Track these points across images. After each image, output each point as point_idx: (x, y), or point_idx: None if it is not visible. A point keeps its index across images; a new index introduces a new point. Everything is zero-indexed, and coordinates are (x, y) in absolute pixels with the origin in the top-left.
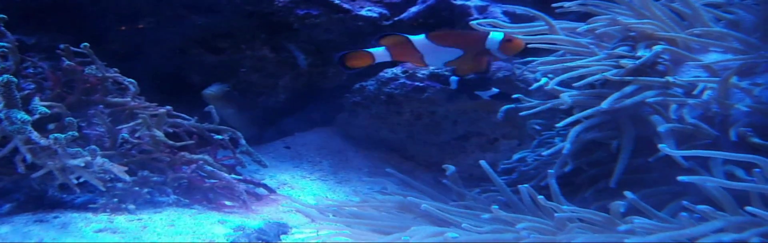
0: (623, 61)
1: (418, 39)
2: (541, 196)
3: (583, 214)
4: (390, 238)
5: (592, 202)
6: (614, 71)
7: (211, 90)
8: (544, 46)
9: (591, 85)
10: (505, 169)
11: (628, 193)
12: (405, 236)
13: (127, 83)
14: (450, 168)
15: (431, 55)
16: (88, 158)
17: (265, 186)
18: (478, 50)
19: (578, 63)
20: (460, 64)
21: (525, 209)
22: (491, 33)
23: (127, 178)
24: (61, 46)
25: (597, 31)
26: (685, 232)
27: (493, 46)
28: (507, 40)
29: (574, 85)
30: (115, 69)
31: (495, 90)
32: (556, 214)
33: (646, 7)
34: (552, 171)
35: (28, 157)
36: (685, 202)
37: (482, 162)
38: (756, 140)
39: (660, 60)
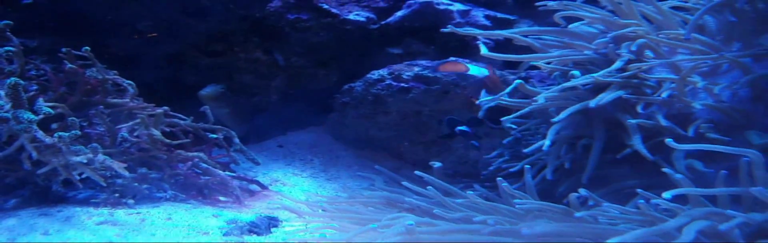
0: (632, 65)
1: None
2: (484, 190)
3: (543, 206)
4: (364, 228)
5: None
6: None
7: (206, 91)
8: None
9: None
10: (486, 163)
11: (582, 190)
12: (373, 224)
13: (126, 85)
14: (436, 164)
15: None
16: (90, 155)
17: (257, 182)
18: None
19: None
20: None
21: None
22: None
23: (127, 174)
24: (63, 49)
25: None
26: (660, 228)
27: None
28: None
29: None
30: (115, 71)
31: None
32: (516, 205)
33: (619, 10)
34: (528, 166)
35: (34, 154)
36: (639, 190)
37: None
38: (713, 136)
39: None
